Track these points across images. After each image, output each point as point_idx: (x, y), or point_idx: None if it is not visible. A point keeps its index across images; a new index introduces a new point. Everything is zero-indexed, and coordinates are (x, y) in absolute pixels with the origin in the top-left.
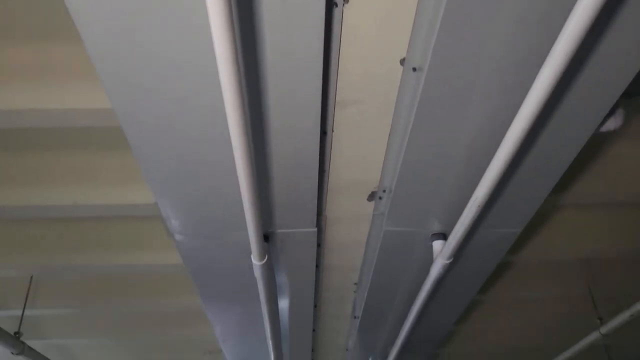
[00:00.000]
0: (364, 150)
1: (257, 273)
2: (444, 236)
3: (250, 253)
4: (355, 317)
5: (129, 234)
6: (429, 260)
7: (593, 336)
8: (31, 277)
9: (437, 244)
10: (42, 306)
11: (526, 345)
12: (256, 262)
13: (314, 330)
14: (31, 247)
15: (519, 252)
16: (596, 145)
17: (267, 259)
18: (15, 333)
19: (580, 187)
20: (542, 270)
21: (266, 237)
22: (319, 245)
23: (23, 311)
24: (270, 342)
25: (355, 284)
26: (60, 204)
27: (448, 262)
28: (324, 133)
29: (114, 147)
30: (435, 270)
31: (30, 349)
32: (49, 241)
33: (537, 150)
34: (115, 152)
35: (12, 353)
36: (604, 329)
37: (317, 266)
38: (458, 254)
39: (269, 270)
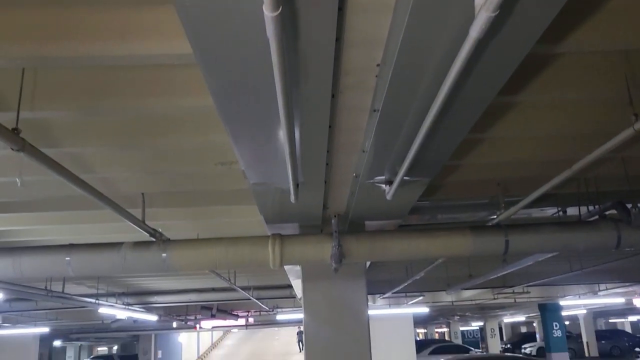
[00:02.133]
0: None
1: (270, 30)
2: None
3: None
4: (375, 111)
5: (132, 19)
6: (466, 29)
7: (626, 133)
8: (23, 70)
9: None
10: (44, 108)
11: (554, 156)
12: (268, 12)
13: (330, 126)
14: (24, 35)
15: (559, 44)
16: None
17: (282, 10)
18: (14, 129)
19: None
20: (580, 67)
21: None
22: (340, 9)
23: (19, 104)
24: (284, 134)
25: (378, 65)
26: None
27: (494, 14)
28: None
29: None
30: (476, 29)
31: (32, 146)
32: (44, 28)
33: None
34: None
35: (12, 149)
36: (638, 125)
37: (337, 39)
38: (504, 8)
39: (283, 29)
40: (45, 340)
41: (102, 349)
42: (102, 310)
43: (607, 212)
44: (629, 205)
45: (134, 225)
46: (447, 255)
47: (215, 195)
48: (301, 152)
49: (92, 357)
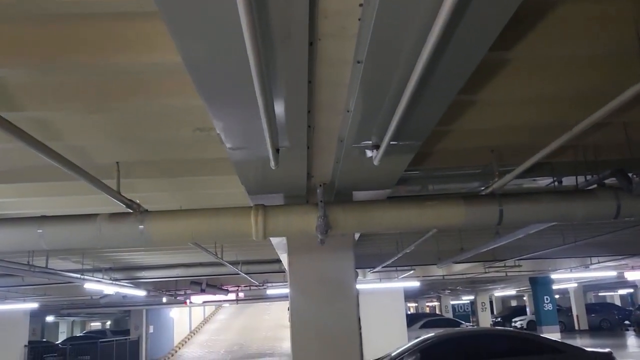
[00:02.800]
0: None
1: None
2: None
3: None
4: (358, 62)
5: None
6: None
7: (635, 89)
8: None
9: None
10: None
11: (551, 121)
12: None
13: (309, 81)
14: None
15: None
16: None
17: None
18: None
19: None
20: (583, 18)
21: None
22: None
23: None
24: (257, 89)
25: (361, 5)
26: None
27: None
28: None
29: None
30: None
31: None
32: None
33: None
34: None
35: None
36: None
37: None
38: None
39: None
40: (37, 316)
41: (95, 324)
42: (88, 286)
43: (606, 181)
44: (630, 174)
45: (110, 197)
46: (439, 225)
47: (196, 164)
48: (279, 112)
49: (84, 332)
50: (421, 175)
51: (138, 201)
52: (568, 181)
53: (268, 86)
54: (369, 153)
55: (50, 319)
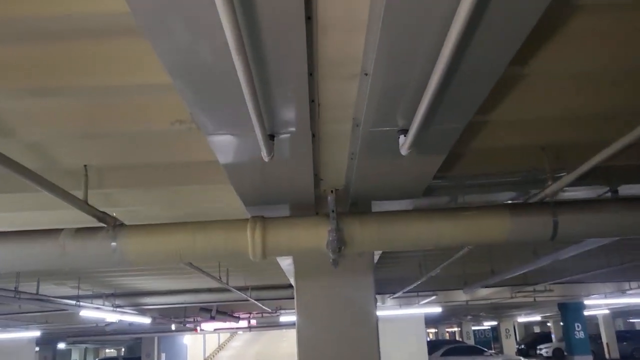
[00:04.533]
0: None
1: None
2: None
3: None
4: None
5: None
6: None
7: None
8: None
9: None
10: None
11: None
12: None
13: (308, 18)
14: None
15: None
16: None
17: None
18: None
19: None
20: None
21: None
22: None
23: None
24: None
25: None
26: None
27: None
28: None
29: None
30: None
31: None
32: None
33: None
34: None
35: None
36: None
37: None
38: None
39: None
40: (48, 343)
41: (110, 351)
42: (84, 314)
43: None
44: None
45: (80, 211)
46: (478, 241)
47: (181, 169)
48: (267, 72)
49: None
50: (448, 185)
51: (114, 214)
52: (623, 191)
53: (245, 26)
54: (401, 140)
55: (61, 346)
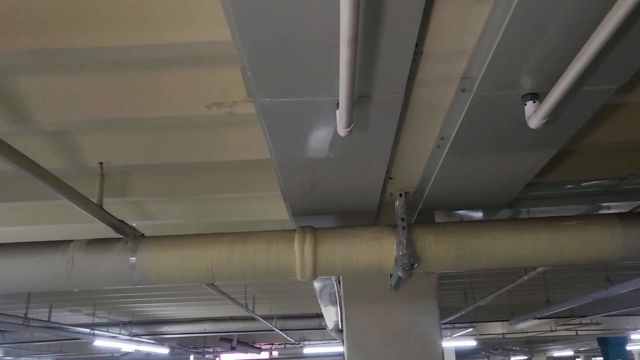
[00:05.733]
0: None
1: None
2: None
3: None
4: None
5: None
6: None
7: None
8: None
9: None
10: None
11: None
12: None
13: None
14: None
15: None
16: None
17: None
18: None
19: None
20: None
21: None
22: None
23: None
24: None
25: None
26: None
27: None
28: None
29: None
30: None
31: None
32: None
33: None
34: None
35: None
36: None
37: None
38: None
39: None
40: None
41: None
42: (99, 343)
43: None
44: None
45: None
46: (583, 257)
47: (213, 172)
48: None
49: None
50: (528, 195)
51: (134, 225)
52: None
53: None
54: (529, 108)
55: None
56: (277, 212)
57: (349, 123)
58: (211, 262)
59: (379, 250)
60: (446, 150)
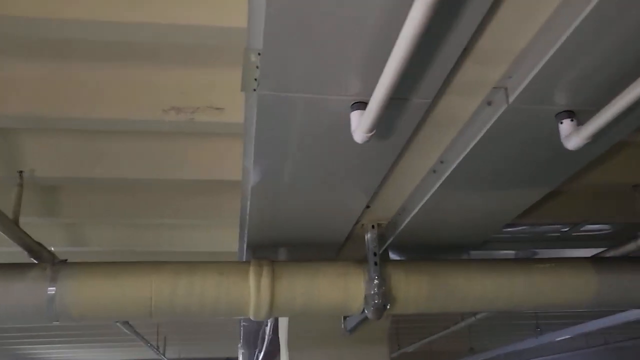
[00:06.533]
0: None
1: None
2: None
3: None
4: None
5: None
6: None
7: None
8: None
9: None
10: None
11: None
12: None
13: None
14: None
15: None
16: None
17: None
18: None
19: None
20: None
21: None
22: None
23: None
24: None
25: None
26: None
27: None
28: None
29: None
30: None
31: None
32: None
33: None
34: None
35: None
36: None
37: None
38: None
39: None
40: None
41: None
42: None
43: None
44: None
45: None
46: (558, 302)
47: (155, 192)
48: None
49: None
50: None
51: (52, 249)
52: None
53: None
54: (565, 128)
55: None
56: (227, 243)
57: (373, 127)
58: (150, 294)
59: (344, 288)
60: (443, 178)
